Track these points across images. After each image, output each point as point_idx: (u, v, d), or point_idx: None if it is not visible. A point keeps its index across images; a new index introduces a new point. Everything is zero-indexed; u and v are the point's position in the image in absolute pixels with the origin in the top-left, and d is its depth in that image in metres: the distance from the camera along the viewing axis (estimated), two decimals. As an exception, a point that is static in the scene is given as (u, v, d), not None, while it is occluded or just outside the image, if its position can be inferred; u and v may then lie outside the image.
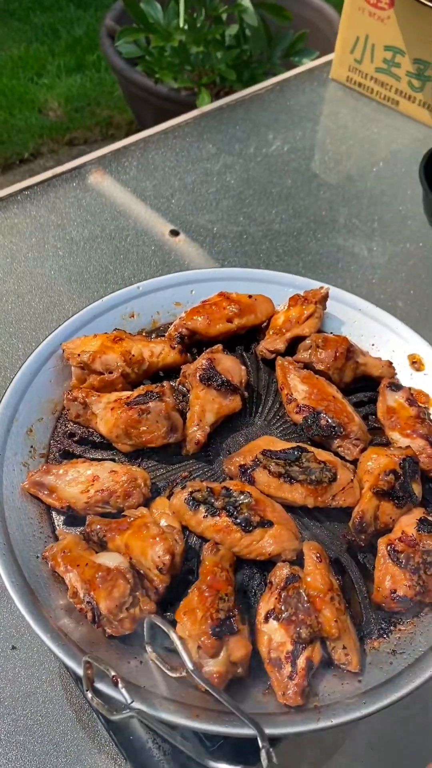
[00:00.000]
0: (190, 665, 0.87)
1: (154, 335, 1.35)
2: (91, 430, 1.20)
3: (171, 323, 1.37)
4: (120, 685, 0.88)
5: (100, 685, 0.90)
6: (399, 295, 1.91)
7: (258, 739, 0.83)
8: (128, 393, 1.17)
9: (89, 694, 0.89)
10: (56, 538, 1.10)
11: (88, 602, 0.96)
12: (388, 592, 1.02)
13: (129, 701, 0.87)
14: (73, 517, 1.11)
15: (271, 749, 0.82)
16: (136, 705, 0.88)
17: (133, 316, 1.36)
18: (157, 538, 0.99)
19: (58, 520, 1.13)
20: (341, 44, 2.46)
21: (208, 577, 0.99)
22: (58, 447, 1.19)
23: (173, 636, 0.89)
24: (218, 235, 2.05)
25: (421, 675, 0.96)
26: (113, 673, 0.88)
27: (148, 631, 0.95)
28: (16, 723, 1.17)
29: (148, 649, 0.96)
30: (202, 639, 0.92)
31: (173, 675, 0.94)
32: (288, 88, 2.59)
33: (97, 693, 0.90)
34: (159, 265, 1.92)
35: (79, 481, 1.09)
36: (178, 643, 0.89)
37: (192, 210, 2.11)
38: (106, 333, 1.26)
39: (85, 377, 1.22)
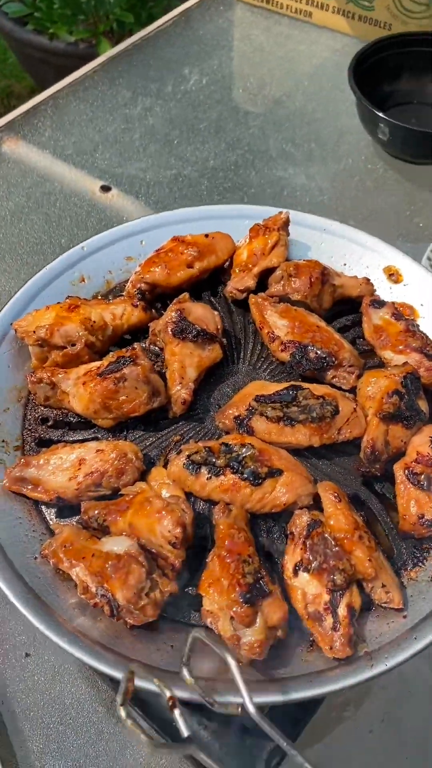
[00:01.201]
0: (248, 703, 0.72)
1: (110, 297, 1.24)
2: (65, 411, 1.09)
3: (127, 281, 1.25)
4: (177, 711, 0.71)
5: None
6: (353, 212, 1.83)
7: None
8: (97, 363, 1.06)
9: (123, 713, 0.70)
10: (52, 534, 0.99)
11: (102, 595, 0.87)
12: (416, 518, 0.96)
13: (187, 734, 0.71)
14: (66, 507, 1.01)
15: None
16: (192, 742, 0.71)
17: (83, 281, 1.24)
18: (164, 512, 0.90)
19: (50, 513, 1.02)
20: (242, -40, 2.30)
21: (226, 542, 0.90)
22: (32, 436, 1.08)
23: (231, 664, 0.74)
24: (152, 183, 1.91)
25: (468, 596, 0.90)
26: (169, 694, 0.72)
27: (189, 648, 0.79)
28: (47, 731, 1.09)
29: (185, 673, 0.78)
30: (234, 609, 0.84)
31: (217, 710, 0.78)
32: (193, 17, 2.43)
33: (134, 707, 0.77)
34: (96, 226, 1.79)
35: (64, 467, 0.99)
36: (237, 674, 0.73)
37: (119, 161, 1.97)
38: (58, 303, 1.14)
39: (45, 355, 1.11)
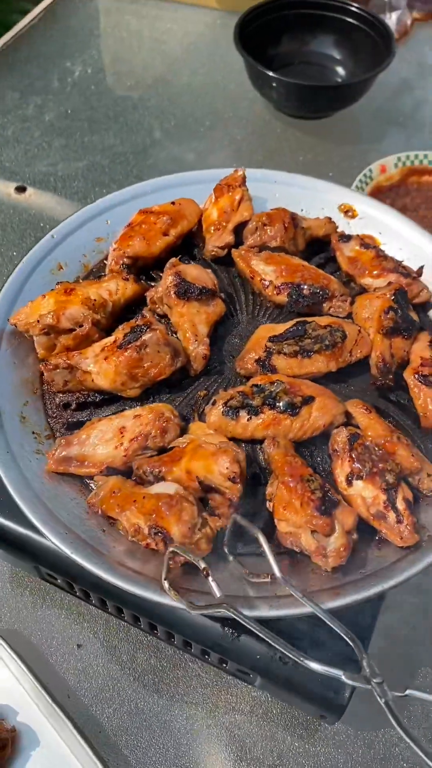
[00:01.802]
0: (277, 572, 0.86)
1: (92, 278, 1.25)
2: (84, 393, 1.10)
3: (102, 262, 1.27)
4: (210, 578, 0.85)
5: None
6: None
7: (356, 652, 0.82)
8: (111, 339, 1.08)
9: (166, 584, 0.87)
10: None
11: (157, 533, 0.91)
12: (435, 413, 1.06)
13: (219, 594, 0.85)
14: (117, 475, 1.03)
15: (371, 661, 0.81)
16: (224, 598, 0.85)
17: (61, 268, 1.24)
18: (218, 453, 0.95)
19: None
20: None
21: (285, 468, 0.96)
22: (60, 422, 1.09)
23: (261, 539, 0.88)
24: (66, 176, 1.92)
25: None
26: (203, 565, 0.85)
27: (231, 533, 0.94)
28: (112, 721, 1.11)
29: (228, 552, 0.94)
30: (314, 522, 0.91)
31: (255, 580, 0.92)
32: (59, 11, 2.43)
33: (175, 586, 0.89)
34: (21, 226, 1.77)
35: (107, 438, 1.01)
36: (266, 547, 0.87)
37: (26, 161, 1.95)
38: (52, 290, 1.14)
39: (52, 342, 1.11)
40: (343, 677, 0.80)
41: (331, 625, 0.84)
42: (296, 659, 0.82)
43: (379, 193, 1.76)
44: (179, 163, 1.94)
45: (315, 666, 0.81)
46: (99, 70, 2.22)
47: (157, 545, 0.92)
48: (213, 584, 0.86)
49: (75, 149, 1.98)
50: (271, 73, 1.84)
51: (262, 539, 0.88)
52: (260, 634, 0.83)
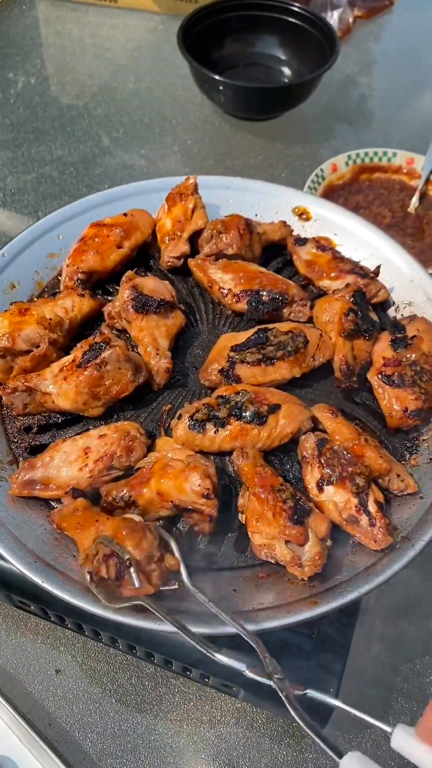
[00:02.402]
0: (185, 578, 0.88)
1: (46, 296, 1.22)
2: (45, 414, 1.08)
3: (56, 278, 1.24)
4: (132, 569, 0.85)
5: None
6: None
7: (258, 651, 0.84)
8: (69, 358, 1.05)
9: (88, 578, 0.86)
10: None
11: (110, 555, 0.88)
12: (401, 413, 1.06)
13: (138, 585, 0.85)
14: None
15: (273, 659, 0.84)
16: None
17: (14, 287, 1.21)
18: (187, 470, 0.94)
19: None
20: None
21: (256, 479, 0.96)
22: (21, 447, 1.06)
23: (173, 546, 0.90)
24: (15, 190, 1.88)
25: (467, 462, 1.03)
26: (127, 556, 0.85)
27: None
28: (94, 747, 1.09)
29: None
30: (287, 532, 0.90)
31: (164, 588, 0.90)
32: (-4, 20, 2.37)
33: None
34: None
35: (71, 459, 0.99)
36: (177, 554, 0.89)
37: (-27, 175, 1.90)
38: (5, 311, 1.11)
39: (9, 365, 1.08)
40: (246, 671, 0.84)
41: (236, 629, 0.84)
42: (205, 651, 0.84)
43: (332, 192, 1.76)
44: (129, 171, 1.92)
45: (221, 658, 0.84)
46: (43, 80, 2.18)
47: (108, 570, 0.88)
48: (134, 575, 0.85)
49: (23, 162, 1.94)
50: (217, 77, 1.83)
51: (174, 546, 0.89)
52: (173, 626, 0.83)
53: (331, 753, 0.75)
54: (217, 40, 2.07)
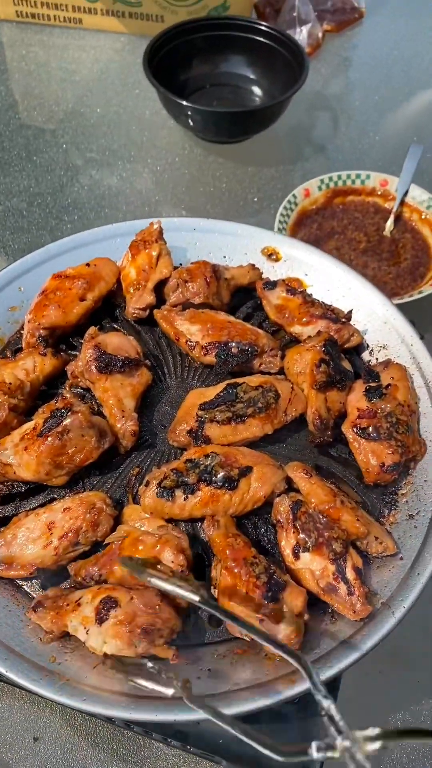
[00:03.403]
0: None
1: (8, 353, 1.18)
2: (8, 484, 1.03)
3: (18, 333, 1.20)
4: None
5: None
6: (191, 203, 1.87)
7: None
8: (30, 424, 1.01)
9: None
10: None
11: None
12: (378, 467, 1.03)
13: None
14: (49, 575, 0.97)
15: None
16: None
17: (-27, 345, 1.17)
18: (159, 545, 0.89)
19: (33, 587, 0.97)
20: (-5, -22, 2.22)
21: (227, 552, 0.91)
22: (-16, 520, 1.01)
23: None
24: (-21, 225, 1.82)
25: (448, 519, 0.99)
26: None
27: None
28: None
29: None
30: (262, 611, 0.86)
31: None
32: (-42, 46, 2.31)
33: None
34: None
35: (34, 537, 0.94)
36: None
37: None
38: (-37, 376, 1.07)
39: (-32, 434, 1.04)
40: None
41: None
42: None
43: (305, 218, 1.72)
44: (98, 200, 1.87)
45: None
46: (9, 107, 2.12)
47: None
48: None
49: (-14, 193, 1.89)
50: (184, 102, 1.78)
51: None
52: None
53: None
54: (185, 62, 2.03)
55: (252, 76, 2.08)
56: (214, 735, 1.04)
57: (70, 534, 0.94)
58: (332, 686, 0.99)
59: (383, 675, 1.20)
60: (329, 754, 0.71)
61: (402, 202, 1.73)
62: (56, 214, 1.86)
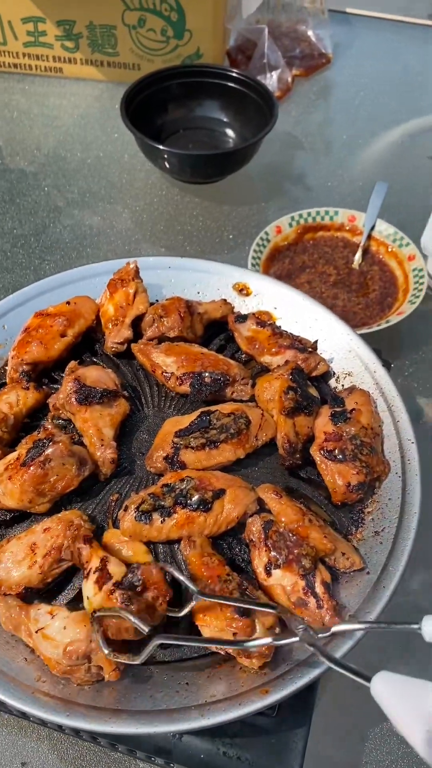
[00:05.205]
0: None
1: (-6, 388, 1.24)
2: (-6, 512, 1.08)
3: (3, 367, 1.26)
4: (134, 620, 0.88)
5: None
6: (168, 242, 1.95)
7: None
8: (14, 455, 1.06)
9: (106, 650, 0.88)
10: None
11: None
12: (344, 488, 1.09)
13: (147, 630, 0.87)
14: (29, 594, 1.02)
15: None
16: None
17: (-40, 380, 1.23)
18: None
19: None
20: (-22, 32, 2.33)
21: (202, 570, 0.97)
22: (-29, 547, 1.06)
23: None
24: (-32, 266, 1.89)
25: (409, 533, 1.05)
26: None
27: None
28: None
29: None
30: (234, 625, 0.91)
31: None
32: None
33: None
34: None
35: (19, 559, 0.99)
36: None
37: None
38: None
39: None
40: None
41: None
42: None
43: (278, 254, 1.81)
44: (80, 240, 1.96)
45: None
46: (-8, 153, 2.22)
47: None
48: (140, 623, 0.88)
49: (-28, 236, 1.97)
50: (160, 146, 1.88)
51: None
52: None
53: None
54: (161, 107, 2.13)
55: (225, 120, 2.19)
56: (197, 750, 1.08)
57: (53, 551, 0.99)
58: (309, 690, 1.02)
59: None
60: None
61: (369, 237, 1.82)
62: (39, 254, 1.93)
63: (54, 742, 1.19)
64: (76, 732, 1.12)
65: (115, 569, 0.94)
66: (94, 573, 0.95)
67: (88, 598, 0.94)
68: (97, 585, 0.93)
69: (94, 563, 0.96)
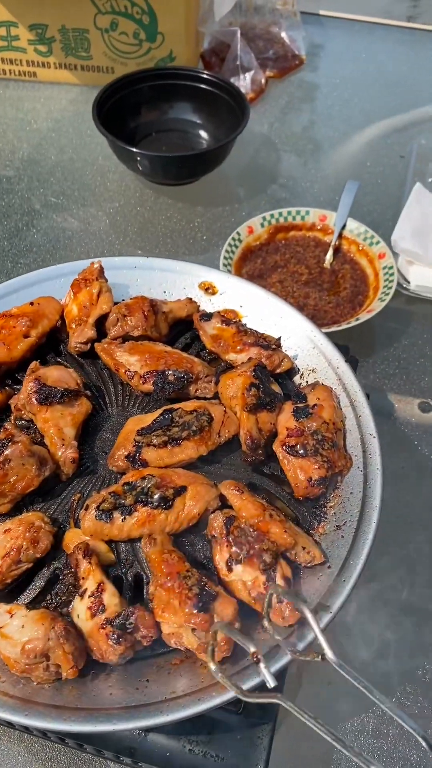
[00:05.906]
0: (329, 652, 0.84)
1: None
2: None
3: (-35, 370, 1.26)
4: (262, 666, 0.83)
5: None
6: (143, 243, 1.95)
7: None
8: (-26, 460, 1.06)
9: (213, 667, 0.82)
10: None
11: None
12: (306, 483, 1.09)
13: (273, 684, 0.82)
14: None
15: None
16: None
17: None
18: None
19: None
20: None
21: (162, 567, 0.97)
22: None
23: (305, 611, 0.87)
24: None
25: (370, 526, 1.05)
26: (253, 649, 0.82)
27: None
28: None
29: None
30: (192, 621, 0.92)
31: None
32: None
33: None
34: None
35: (-21, 561, 0.99)
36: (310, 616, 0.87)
37: None
38: None
39: None
40: None
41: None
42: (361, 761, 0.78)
43: (250, 254, 1.82)
44: (54, 243, 1.96)
45: None
46: (-34, 157, 2.22)
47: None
48: (265, 671, 0.83)
49: None
50: (132, 149, 1.88)
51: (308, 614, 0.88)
52: (318, 730, 0.79)
53: None
54: (134, 110, 2.14)
55: (198, 122, 2.20)
56: (163, 748, 1.08)
57: (12, 553, 0.99)
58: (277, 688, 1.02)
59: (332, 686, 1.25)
60: None
61: (340, 235, 1.83)
62: (12, 257, 1.93)
63: (26, 744, 1.19)
64: (43, 733, 1.12)
65: (110, 601, 0.95)
66: (88, 597, 0.95)
67: (78, 616, 0.96)
68: (89, 611, 0.94)
69: (90, 586, 0.96)
